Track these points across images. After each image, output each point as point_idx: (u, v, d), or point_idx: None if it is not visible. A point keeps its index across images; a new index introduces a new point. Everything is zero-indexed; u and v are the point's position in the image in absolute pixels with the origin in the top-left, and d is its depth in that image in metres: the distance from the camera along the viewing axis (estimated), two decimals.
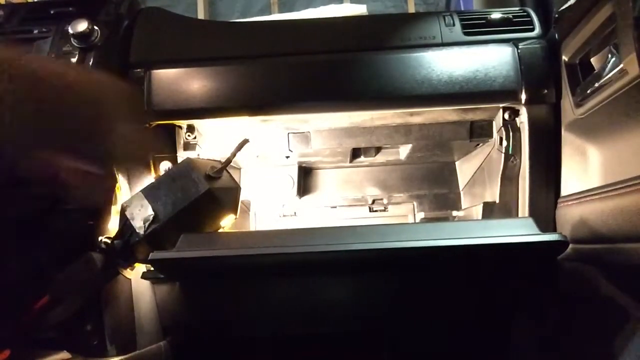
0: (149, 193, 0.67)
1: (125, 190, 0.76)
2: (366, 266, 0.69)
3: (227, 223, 0.72)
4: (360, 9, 1.41)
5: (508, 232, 0.58)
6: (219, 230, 0.71)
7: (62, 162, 0.51)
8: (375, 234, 0.60)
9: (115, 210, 0.73)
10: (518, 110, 0.78)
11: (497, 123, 0.84)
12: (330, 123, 0.90)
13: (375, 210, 1.12)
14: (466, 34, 0.79)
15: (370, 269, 0.71)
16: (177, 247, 0.61)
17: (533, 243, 0.57)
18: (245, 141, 0.70)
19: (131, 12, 0.82)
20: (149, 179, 0.78)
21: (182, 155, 0.83)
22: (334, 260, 0.63)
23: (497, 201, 0.85)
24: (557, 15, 0.70)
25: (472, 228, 0.60)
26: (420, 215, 1.09)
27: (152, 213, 0.65)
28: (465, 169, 1.07)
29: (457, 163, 1.10)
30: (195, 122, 0.82)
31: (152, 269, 0.75)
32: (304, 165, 1.09)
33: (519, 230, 0.58)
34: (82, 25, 0.72)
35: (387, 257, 0.64)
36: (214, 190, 0.66)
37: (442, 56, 0.76)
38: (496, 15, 0.80)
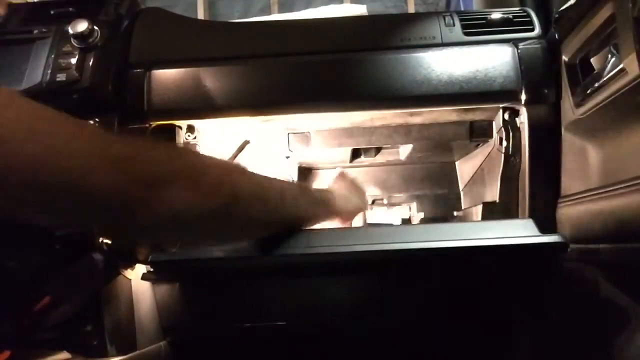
0: None
1: None
2: (364, 267, 0.69)
3: None
4: (360, 9, 1.41)
5: (508, 233, 0.58)
6: None
7: None
8: (375, 236, 0.60)
9: None
10: (518, 110, 0.78)
11: (497, 123, 0.84)
12: (330, 123, 0.90)
13: None
14: (466, 34, 0.79)
15: (368, 270, 0.71)
16: (178, 249, 0.61)
17: (533, 245, 0.57)
18: (246, 142, 0.71)
19: (131, 12, 0.82)
20: None
21: None
22: (334, 261, 0.63)
23: (497, 201, 0.84)
24: (557, 15, 0.70)
25: (472, 230, 0.60)
26: (420, 215, 1.09)
27: None
28: (465, 169, 1.07)
29: (457, 163, 1.10)
30: (195, 122, 0.82)
31: (152, 269, 0.75)
32: (304, 165, 1.09)
33: (519, 231, 0.59)
34: (82, 26, 0.72)
35: (385, 259, 0.64)
36: None
37: (442, 56, 0.76)
38: (496, 15, 0.80)
